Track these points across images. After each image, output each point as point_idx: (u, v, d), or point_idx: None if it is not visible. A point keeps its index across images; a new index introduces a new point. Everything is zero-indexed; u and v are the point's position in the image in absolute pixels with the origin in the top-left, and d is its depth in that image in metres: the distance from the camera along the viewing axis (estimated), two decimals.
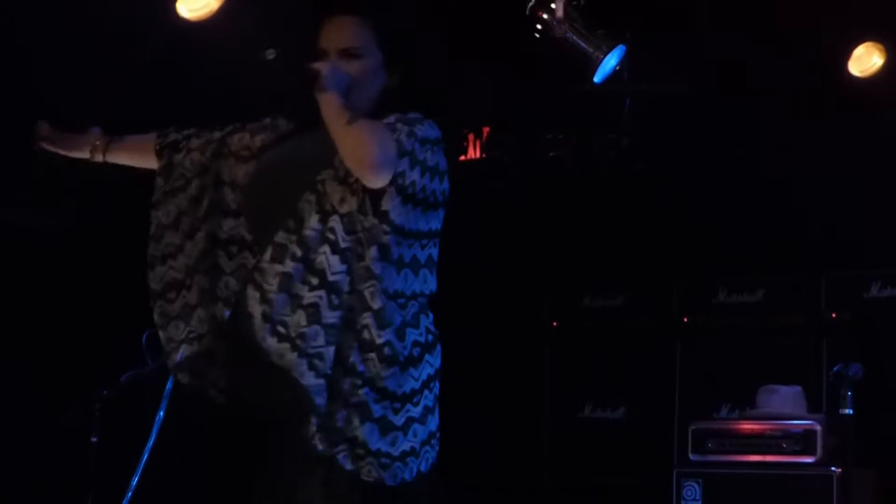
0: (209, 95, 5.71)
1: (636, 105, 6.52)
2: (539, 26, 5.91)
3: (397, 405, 3.42)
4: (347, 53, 3.56)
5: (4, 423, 6.21)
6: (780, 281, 7.08)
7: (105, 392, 4.84)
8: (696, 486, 6.17)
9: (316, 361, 3.34)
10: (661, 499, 6.32)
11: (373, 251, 3.39)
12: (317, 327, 3.34)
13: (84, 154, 3.92)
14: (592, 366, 7.46)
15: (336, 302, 3.36)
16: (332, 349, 3.35)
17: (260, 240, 3.53)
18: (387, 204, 3.40)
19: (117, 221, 6.45)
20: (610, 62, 5.97)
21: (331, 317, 3.35)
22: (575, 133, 6.97)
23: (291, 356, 3.33)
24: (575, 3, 5.87)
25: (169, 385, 4.23)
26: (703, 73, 6.51)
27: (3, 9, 5.49)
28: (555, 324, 7.60)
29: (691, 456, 6.27)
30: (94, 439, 4.86)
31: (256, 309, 3.36)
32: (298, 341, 3.33)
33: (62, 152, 3.96)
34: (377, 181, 3.38)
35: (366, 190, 3.39)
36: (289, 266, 3.37)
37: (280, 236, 3.40)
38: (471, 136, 7.25)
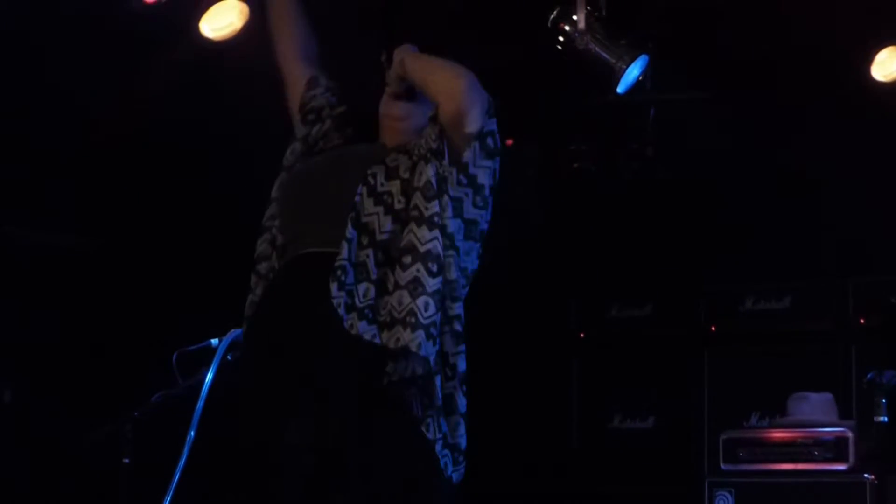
0: (234, 115, 5.74)
1: (660, 114, 6.52)
2: (561, 38, 5.91)
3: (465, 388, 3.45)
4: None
5: (37, 444, 6.23)
6: (808, 287, 7.06)
7: (136, 413, 4.84)
8: (728, 495, 6.14)
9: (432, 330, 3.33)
10: None
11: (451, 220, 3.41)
12: (426, 298, 3.33)
13: None
14: (621, 376, 7.44)
15: (435, 269, 3.35)
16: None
17: (289, 229, 3.56)
18: (468, 157, 3.43)
19: (148, 244, 6.51)
20: (633, 72, 5.96)
21: (434, 284, 3.35)
22: (599, 144, 6.97)
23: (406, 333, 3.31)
24: (597, 14, 5.87)
25: (200, 405, 4.23)
26: (727, 81, 6.50)
27: (29, 30, 5.53)
28: (582, 334, 7.59)
29: (723, 465, 6.24)
30: (125, 460, 4.87)
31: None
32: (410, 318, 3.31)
33: None
34: (469, 121, 3.40)
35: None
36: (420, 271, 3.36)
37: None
38: None
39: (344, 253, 3.36)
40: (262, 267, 3.65)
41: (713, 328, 7.20)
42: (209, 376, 4.25)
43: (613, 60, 5.92)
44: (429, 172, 3.41)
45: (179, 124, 6.00)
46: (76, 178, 6.00)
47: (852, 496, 5.86)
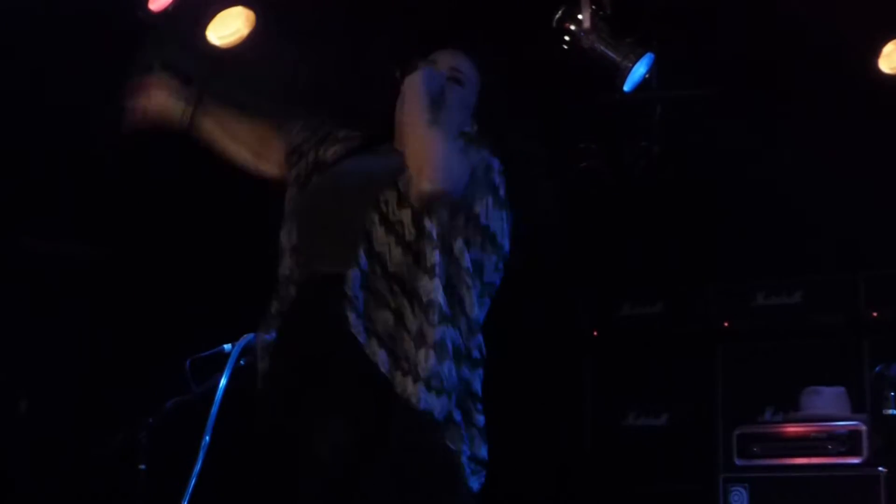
0: None
1: (666, 112, 6.53)
2: (566, 37, 5.92)
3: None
4: (454, 75, 3.58)
5: (53, 453, 6.25)
6: (819, 281, 7.07)
7: (151, 420, 4.86)
8: (743, 490, 6.16)
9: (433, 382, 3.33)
10: None
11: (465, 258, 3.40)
12: (426, 350, 3.35)
13: (171, 108, 3.78)
14: (634, 374, 7.46)
15: (436, 320, 3.36)
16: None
17: (305, 247, 3.54)
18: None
19: (160, 251, 6.53)
20: (639, 71, 5.97)
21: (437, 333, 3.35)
22: (607, 142, 6.97)
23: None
24: (602, 13, 5.88)
25: (214, 410, 4.25)
26: (733, 77, 6.50)
27: (35, 41, 5.55)
28: (595, 333, 7.60)
29: (737, 461, 6.26)
30: (141, 466, 4.89)
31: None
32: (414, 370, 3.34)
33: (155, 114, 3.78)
34: (430, 198, 3.36)
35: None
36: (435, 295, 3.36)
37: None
38: None
39: (357, 282, 3.36)
40: (282, 282, 3.63)
41: (725, 324, 7.21)
42: (223, 381, 4.28)
43: (619, 59, 5.93)
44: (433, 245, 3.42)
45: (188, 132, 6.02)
46: (88, 187, 6.02)
47: (866, 489, 5.87)
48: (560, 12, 5.91)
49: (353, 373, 3.37)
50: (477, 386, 3.48)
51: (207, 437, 4.23)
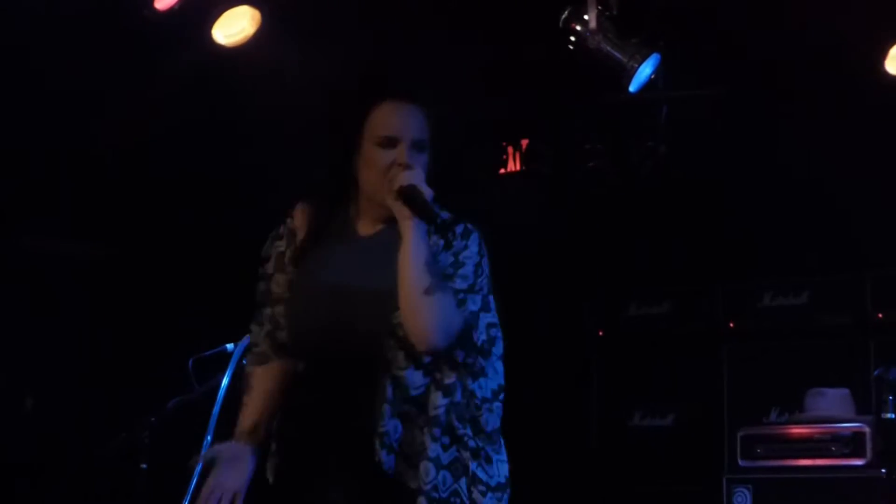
0: (247, 120, 5.76)
1: (672, 112, 6.53)
2: (573, 38, 5.93)
3: None
4: (419, 146, 3.41)
5: (55, 451, 6.27)
6: (826, 282, 7.05)
7: (153, 419, 4.87)
8: (746, 491, 6.16)
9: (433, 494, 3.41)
10: None
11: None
12: (427, 464, 3.39)
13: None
14: (640, 374, 7.45)
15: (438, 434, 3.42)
16: None
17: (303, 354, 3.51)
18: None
19: (162, 251, 6.54)
20: (645, 71, 5.99)
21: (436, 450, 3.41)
22: (613, 143, 6.98)
23: None
24: (608, 13, 5.89)
25: (216, 410, 4.26)
26: (739, 77, 6.50)
27: (40, 39, 5.56)
28: (601, 333, 7.60)
29: (741, 462, 6.26)
30: (143, 465, 4.90)
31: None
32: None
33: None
34: (429, 353, 3.37)
35: None
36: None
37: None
38: (510, 150, 7.26)
39: (387, 416, 3.35)
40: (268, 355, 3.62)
41: (731, 324, 7.20)
42: (225, 381, 4.29)
43: (625, 59, 5.94)
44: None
45: (193, 131, 6.03)
46: (90, 187, 6.03)
47: (870, 491, 5.86)
48: (566, 13, 5.92)
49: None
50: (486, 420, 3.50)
51: (209, 437, 4.25)
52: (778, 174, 6.96)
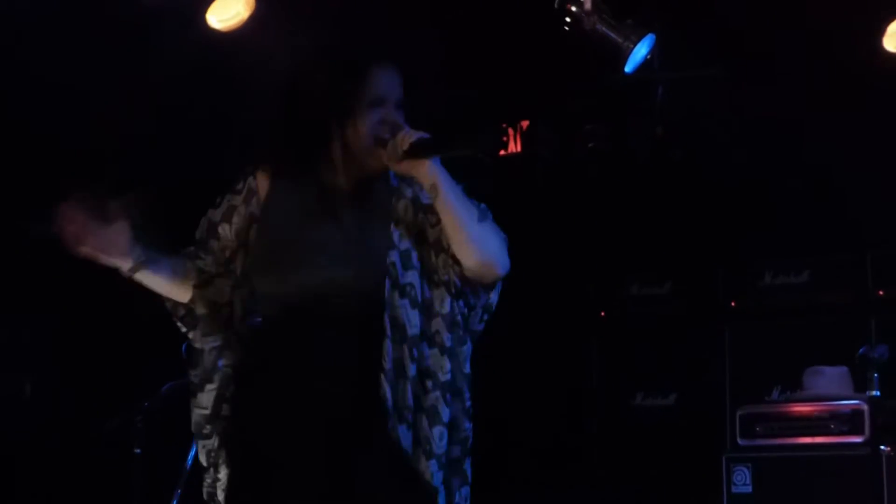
0: (243, 105, 5.76)
1: (669, 93, 6.52)
2: (568, 19, 5.93)
3: None
4: (399, 105, 3.54)
5: (48, 436, 6.28)
6: (826, 261, 7.04)
7: (146, 404, 4.88)
8: (745, 470, 6.16)
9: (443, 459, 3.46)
10: (714, 485, 6.31)
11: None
12: (441, 428, 3.43)
13: (118, 256, 3.60)
14: (641, 354, 7.45)
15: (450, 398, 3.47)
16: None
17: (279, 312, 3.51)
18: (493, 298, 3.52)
19: (157, 233, 6.53)
20: (640, 52, 5.99)
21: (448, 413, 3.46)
22: (612, 123, 6.98)
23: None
24: None
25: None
26: (736, 56, 6.49)
27: (32, 22, 5.57)
28: (602, 314, 7.60)
29: (740, 441, 6.27)
30: (137, 451, 4.91)
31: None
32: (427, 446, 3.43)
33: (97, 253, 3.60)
34: (499, 278, 3.46)
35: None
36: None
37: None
38: (510, 131, 7.27)
39: (390, 353, 3.39)
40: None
41: (732, 303, 7.19)
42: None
43: (621, 40, 5.94)
44: (446, 307, 3.47)
45: (188, 115, 6.04)
46: (83, 172, 6.03)
47: (869, 468, 5.85)
48: None
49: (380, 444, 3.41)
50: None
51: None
52: (777, 153, 6.95)
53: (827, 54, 6.41)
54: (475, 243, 3.40)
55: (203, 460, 3.62)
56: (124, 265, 3.57)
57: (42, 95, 5.80)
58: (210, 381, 3.64)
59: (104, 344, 6.43)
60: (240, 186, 3.63)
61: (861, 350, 4.79)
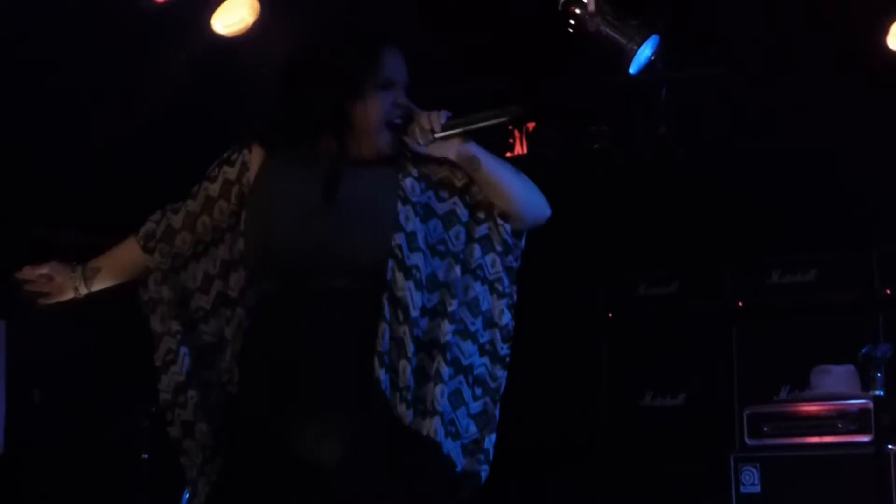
0: (245, 111, 5.77)
1: (672, 93, 6.53)
2: (572, 21, 5.95)
3: None
4: (406, 88, 3.55)
5: (56, 442, 6.29)
6: (833, 259, 7.05)
7: (154, 408, 4.88)
8: (754, 470, 6.16)
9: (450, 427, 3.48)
10: (723, 484, 6.31)
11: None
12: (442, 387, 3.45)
13: (69, 294, 3.73)
14: (650, 354, 7.46)
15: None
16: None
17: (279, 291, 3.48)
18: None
19: None
20: (644, 52, 6.00)
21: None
22: (617, 124, 6.99)
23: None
24: None
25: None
26: (740, 55, 6.50)
27: (38, 31, 5.58)
28: (610, 314, 7.61)
29: (748, 441, 6.27)
30: (144, 455, 4.91)
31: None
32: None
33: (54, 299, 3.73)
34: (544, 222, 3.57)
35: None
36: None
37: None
38: (516, 133, 7.28)
39: (387, 335, 3.38)
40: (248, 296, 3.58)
41: (740, 303, 7.21)
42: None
43: (624, 41, 5.96)
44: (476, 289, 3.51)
45: (193, 121, 6.05)
46: (92, 178, 6.06)
47: (877, 467, 5.86)
48: None
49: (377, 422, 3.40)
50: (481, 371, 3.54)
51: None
52: (783, 152, 6.95)
53: (831, 53, 6.41)
54: (526, 198, 3.50)
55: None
56: (76, 293, 3.68)
57: (47, 100, 5.81)
58: (174, 364, 3.61)
59: (110, 348, 6.44)
60: (234, 156, 3.60)
61: (864, 349, 4.78)
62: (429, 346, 3.43)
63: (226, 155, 3.62)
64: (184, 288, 3.62)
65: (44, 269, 3.66)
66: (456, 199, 3.53)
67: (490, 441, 3.50)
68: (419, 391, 3.41)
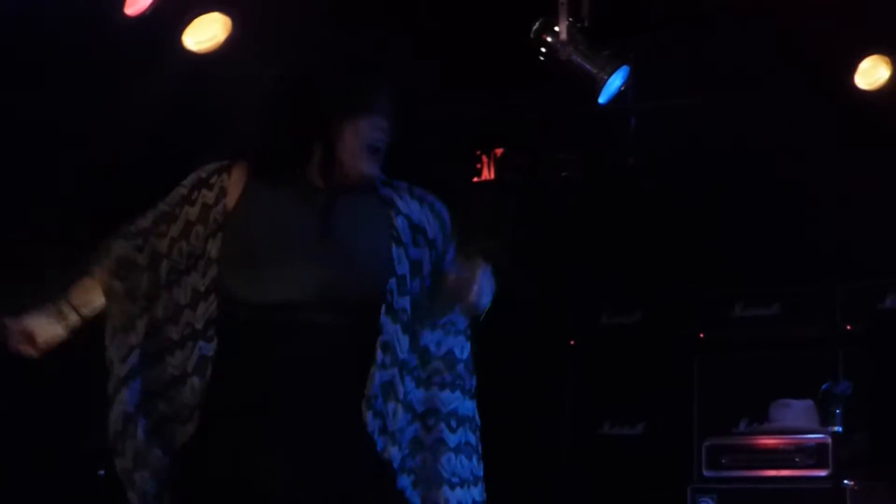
0: (217, 128, 5.77)
1: (642, 123, 6.57)
2: (544, 49, 5.97)
3: None
4: (390, 115, 3.50)
5: (34, 450, 6.25)
6: (796, 293, 7.07)
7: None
8: (711, 502, 6.18)
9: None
10: None
11: None
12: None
13: (61, 331, 3.52)
14: (611, 383, 7.46)
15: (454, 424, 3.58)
16: None
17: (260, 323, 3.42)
18: None
19: None
20: (615, 83, 6.03)
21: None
22: (585, 152, 7.02)
23: None
24: (579, 25, 5.93)
25: None
26: (710, 89, 6.54)
27: (12, 48, 5.57)
28: (573, 342, 7.62)
29: (705, 472, 6.28)
30: (101, 472, 4.87)
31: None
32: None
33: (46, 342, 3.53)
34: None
35: None
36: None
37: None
38: (484, 158, 7.30)
39: (377, 380, 3.37)
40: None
41: (702, 335, 7.22)
42: None
43: (595, 71, 5.99)
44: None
45: (165, 137, 6.04)
46: (71, 199, 6.02)
47: (834, 502, 5.89)
48: (538, 24, 5.96)
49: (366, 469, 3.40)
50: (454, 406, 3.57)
51: None
52: (750, 185, 7.00)
53: (799, 88, 6.47)
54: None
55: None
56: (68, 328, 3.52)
57: (24, 118, 5.77)
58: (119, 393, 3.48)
59: (76, 363, 6.40)
60: (212, 180, 3.46)
61: (825, 385, 4.81)
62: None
63: (203, 175, 3.49)
64: (153, 318, 3.47)
65: (20, 326, 3.45)
66: (426, 251, 3.50)
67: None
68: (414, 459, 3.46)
